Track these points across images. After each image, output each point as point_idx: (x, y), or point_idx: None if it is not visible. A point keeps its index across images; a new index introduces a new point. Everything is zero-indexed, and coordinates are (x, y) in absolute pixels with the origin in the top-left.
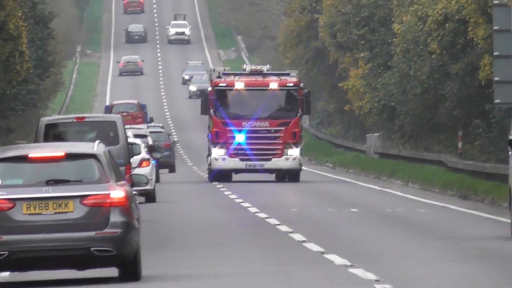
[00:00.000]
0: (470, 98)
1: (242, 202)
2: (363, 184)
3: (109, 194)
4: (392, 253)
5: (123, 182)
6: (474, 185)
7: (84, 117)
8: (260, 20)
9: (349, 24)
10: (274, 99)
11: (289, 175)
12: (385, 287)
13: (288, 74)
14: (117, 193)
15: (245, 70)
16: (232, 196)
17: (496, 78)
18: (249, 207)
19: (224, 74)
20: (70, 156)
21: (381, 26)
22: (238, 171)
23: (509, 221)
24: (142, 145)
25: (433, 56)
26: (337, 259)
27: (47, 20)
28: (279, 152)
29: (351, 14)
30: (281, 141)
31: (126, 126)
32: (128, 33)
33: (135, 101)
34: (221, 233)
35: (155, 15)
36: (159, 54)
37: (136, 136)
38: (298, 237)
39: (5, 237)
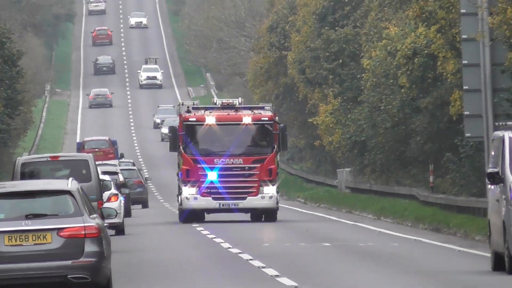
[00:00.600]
0: (440, 132)
1: (214, 237)
2: (335, 219)
3: (83, 226)
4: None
5: (95, 215)
6: (446, 219)
7: (58, 156)
8: (228, 57)
9: (318, 59)
10: (247, 135)
11: (265, 215)
12: None
13: (262, 108)
14: (91, 225)
15: (216, 103)
16: (204, 232)
17: (466, 112)
18: (222, 242)
19: (193, 108)
20: (46, 193)
21: (351, 60)
22: (211, 211)
23: (486, 254)
24: (111, 182)
25: (403, 90)
26: (287, 282)
27: (16, 59)
28: (255, 190)
29: (320, 49)
30: (256, 179)
31: (98, 162)
32: (96, 64)
33: (106, 138)
34: (193, 267)
35: (123, 48)
36: (129, 96)
37: (107, 173)
38: (271, 271)
39: None
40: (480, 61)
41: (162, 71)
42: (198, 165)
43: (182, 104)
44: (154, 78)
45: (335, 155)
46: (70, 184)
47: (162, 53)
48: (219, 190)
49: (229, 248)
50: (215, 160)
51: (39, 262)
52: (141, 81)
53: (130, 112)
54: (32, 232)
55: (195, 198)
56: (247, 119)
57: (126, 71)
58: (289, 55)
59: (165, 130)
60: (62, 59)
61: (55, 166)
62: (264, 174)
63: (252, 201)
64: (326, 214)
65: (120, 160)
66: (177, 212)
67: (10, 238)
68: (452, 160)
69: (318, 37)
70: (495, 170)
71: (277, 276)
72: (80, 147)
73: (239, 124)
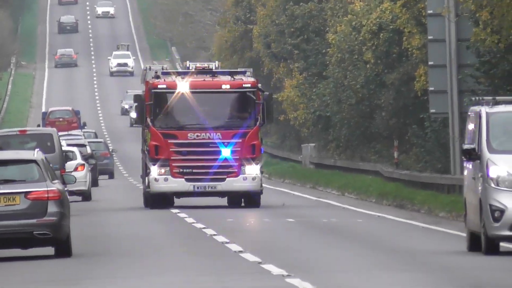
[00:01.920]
0: (405, 108)
1: (178, 212)
2: (299, 194)
3: (47, 190)
4: (329, 263)
5: (57, 181)
6: (410, 195)
7: (26, 130)
8: (194, 31)
9: (284, 34)
10: (227, 104)
11: (247, 199)
12: None
13: (243, 73)
14: (53, 189)
15: (189, 68)
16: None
17: (431, 88)
18: (186, 217)
19: (163, 73)
20: (15, 162)
21: (316, 36)
22: (184, 194)
23: (450, 231)
24: (78, 153)
25: (368, 66)
26: (274, 269)
27: None
28: (235, 170)
29: (285, 24)
30: (237, 157)
31: (64, 133)
32: (60, 23)
33: (70, 108)
34: (158, 243)
35: (89, 26)
36: (94, 67)
37: (76, 145)
38: (234, 247)
39: None
40: (446, 36)
41: (134, 57)
42: (169, 141)
43: (149, 69)
44: (125, 65)
45: (300, 130)
46: (36, 154)
47: (128, 26)
48: (194, 170)
49: (193, 223)
50: (188, 134)
51: (9, 220)
52: (111, 68)
53: (96, 87)
54: (3, 195)
55: (165, 180)
56: (225, 86)
57: (92, 56)
58: (255, 29)
59: (134, 115)
60: (28, 32)
61: (23, 139)
62: (246, 151)
63: (232, 183)
64: (290, 189)
65: (83, 130)
66: (142, 193)
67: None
68: (417, 134)
69: (283, 12)
70: (472, 146)
71: (240, 252)
72: (46, 116)
73: (217, 91)
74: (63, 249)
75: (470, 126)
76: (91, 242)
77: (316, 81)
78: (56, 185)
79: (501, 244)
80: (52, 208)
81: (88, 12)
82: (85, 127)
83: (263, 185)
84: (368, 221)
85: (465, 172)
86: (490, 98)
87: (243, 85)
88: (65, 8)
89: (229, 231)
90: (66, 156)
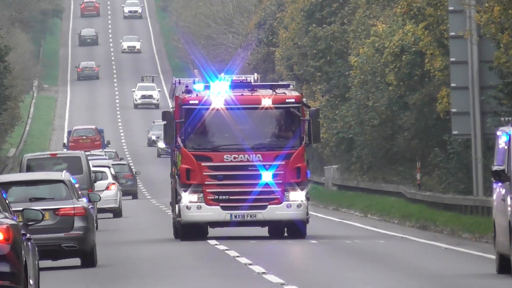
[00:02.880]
0: (428, 129)
1: (216, 244)
2: (322, 216)
3: (73, 207)
4: (351, 285)
5: (82, 198)
6: (433, 216)
7: (56, 154)
8: (216, 54)
9: (306, 56)
10: (268, 122)
11: (290, 229)
12: None
13: (286, 86)
14: (79, 206)
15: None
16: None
17: (454, 110)
18: (209, 239)
19: (195, 87)
20: (45, 181)
21: (338, 58)
22: (219, 224)
23: (473, 252)
24: (109, 173)
25: (390, 87)
26: (274, 279)
27: (3, 54)
28: (278, 196)
29: (307, 46)
30: (280, 181)
31: (89, 154)
32: (80, 36)
33: (93, 126)
34: (180, 264)
35: (111, 41)
36: (116, 88)
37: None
38: (257, 268)
39: None
40: (468, 58)
41: (159, 89)
42: (202, 163)
43: (179, 83)
44: (150, 97)
45: (322, 152)
46: (63, 175)
47: (150, 49)
48: (231, 197)
49: (216, 245)
50: (224, 156)
51: (40, 234)
52: (136, 100)
53: (119, 118)
54: (34, 212)
55: (199, 208)
56: (267, 101)
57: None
58: (277, 51)
59: (162, 145)
60: (50, 55)
61: (54, 161)
62: (290, 175)
63: (274, 211)
64: (313, 211)
65: (105, 150)
66: (172, 222)
67: (17, 216)
68: (439, 156)
69: (305, 34)
70: (501, 167)
71: (264, 273)
72: (70, 135)
73: (257, 107)
74: (89, 260)
75: (500, 147)
76: (116, 262)
77: (339, 103)
78: (81, 203)
79: None
80: (78, 223)
81: (111, 45)
82: (109, 145)
83: (309, 212)
84: (391, 242)
85: (494, 194)
86: None
87: (286, 100)
88: (87, 21)
89: (253, 253)
90: (95, 177)
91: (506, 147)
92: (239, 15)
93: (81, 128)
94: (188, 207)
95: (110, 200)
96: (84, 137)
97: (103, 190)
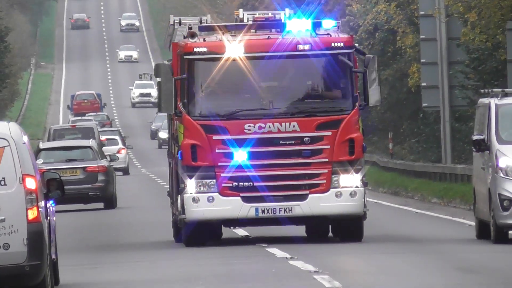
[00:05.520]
0: (400, 102)
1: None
2: None
3: (97, 166)
4: (330, 248)
5: (104, 159)
6: (404, 183)
7: (75, 125)
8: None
9: None
10: (307, 76)
11: (341, 226)
12: (324, 277)
13: (328, 25)
14: (101, 165)
15: (242, 20)
16: None
17: (424, 84)
18: (227, 243)
19: (201, 28)
20: (77, 147)
21: None
22: (240, 222)
23: (442, 216)
24: (119, 139)
25: None
26: (278, 252)
27: (3, 34)
28: (323, 181)
29: None
30: (326, 159)
31: (89, 113)
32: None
33: (93, 91)
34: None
35: (103, 23)
36: (109, 75)
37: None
38: (308, 267)
39: None
40: (437, 35)
41: (156, 87)
42: (214, 137)
43: (179, 24)
44: (148, 95)
45: None
46: (91, 142)
47: (144, 45)
48: (256, 184)
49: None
50: (246, 126)
51: (73, 185)
52: (133, 99)
53: (116, 116)
54: (69, 169)
55: (210, 199)
56: (304, 46)
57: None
58: None
59: (163, 135)
60: (46, 35)
61: (73, 131)
62: (340, 151)
63: (317, 202)
64: None
65: (98, 113)
66: (172, 223)
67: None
68: (411, 128)
69: None
70: (481, 137)
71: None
72: (73, 99)
73: (291, 56)
74: (110, 204)
75: (479, 118)
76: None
77: None
78: (103, 162)
79: (510, 232)
80: (101, 177)
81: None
82: (105, 107)
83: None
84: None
85: (474, 163)
86: (499, 90)
87: (332, 44)
88: (79, 3)
89: (302, 253)
90: (102, 144)
91: (485, 118)
92: None
93: (82, 93)
94: (195, 199)
95: (120, 161)
96: (85, 101)
97: (115, 153)
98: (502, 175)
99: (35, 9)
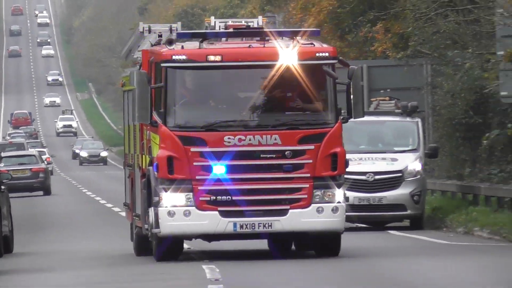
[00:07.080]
0: None
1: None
2: None
3: (39, 167)
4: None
5: (43, 163)
6: None
7: (12, 141)
8: (104, 72)
9: None
10: (289, 87)
11: (319, 243)
12: None
13: (315, 34)
14: (42, 167)
15: (213, 27)
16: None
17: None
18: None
19: (179, 35)
20: (26, 155)
21: None
22: (218, 237)
23: None
24: (46, 151)
25: None
26: (210, 272)
27: None
28: (304, 196)
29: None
30: (307, 174)
31: (22, 126)
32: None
33: (26, 111)
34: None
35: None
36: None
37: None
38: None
39: None
40: None
41: (77, 120)
42: (192, 149)
43: (149, 31)
44: (70, 126)
45: None
46: (35, 151)
47: (59, 69)
48: (234, 198)
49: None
50: (225, 138)
51: (24, 180)
52: (58, 129)
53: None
54: (21, 170)
55: (187, 213)
56: (288, 56)
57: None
58: None
59: (84, 153)
60: None
61: (11, 146)
62: (322, 165)
63: (298, 218)
64: None
65: (27, 127)
66: (134, 233)
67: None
68: None
69: None
70: None
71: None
72: (12, 116)
73: (273, 66)
74: (47, 192)
75: None
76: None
77: None
78: (43, 165)
79: None
80: (41, 174)
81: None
82: (34, 120)
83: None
84: None
85: None
86: None
87: (317, 54)
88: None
89: None
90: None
91: None
92: (120, 44)
93: (19, 112)
94: (170, 213)
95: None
96: (21, 117)
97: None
98: None
99: None
